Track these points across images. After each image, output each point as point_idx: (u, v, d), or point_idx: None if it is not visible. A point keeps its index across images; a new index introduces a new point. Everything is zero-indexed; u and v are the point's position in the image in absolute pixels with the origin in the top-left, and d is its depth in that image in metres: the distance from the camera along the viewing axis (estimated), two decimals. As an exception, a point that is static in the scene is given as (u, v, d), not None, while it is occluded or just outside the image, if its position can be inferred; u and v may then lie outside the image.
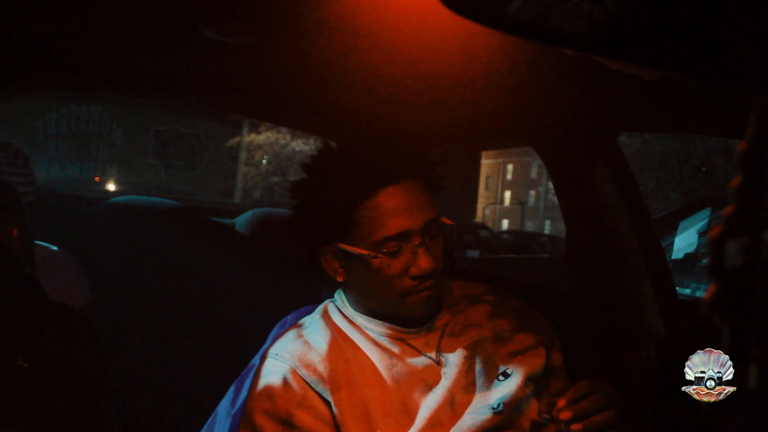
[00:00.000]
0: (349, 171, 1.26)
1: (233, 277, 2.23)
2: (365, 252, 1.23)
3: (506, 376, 1.28)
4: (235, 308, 2.15)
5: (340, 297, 1.38)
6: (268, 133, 15.43)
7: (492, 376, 1.28)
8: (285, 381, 1.25)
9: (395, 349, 1.29)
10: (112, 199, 2.50)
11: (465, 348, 1.31)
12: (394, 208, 1.23)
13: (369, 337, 1.31)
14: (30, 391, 1.15)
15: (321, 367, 1.26)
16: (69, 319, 1.31)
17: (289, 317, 1.50)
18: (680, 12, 0.45)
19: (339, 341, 1.31)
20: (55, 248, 2.11)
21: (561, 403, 1.15)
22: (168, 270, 2.24)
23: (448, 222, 1.30)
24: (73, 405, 1.21)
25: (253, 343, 1.47)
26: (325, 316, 1.37)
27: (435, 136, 2.15)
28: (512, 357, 1.30)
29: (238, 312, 2.12)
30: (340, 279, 1.31)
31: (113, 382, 1.36)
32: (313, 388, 1.24)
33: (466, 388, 1.27)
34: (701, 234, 3.80)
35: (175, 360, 2.09)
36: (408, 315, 1.30)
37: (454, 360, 1.29)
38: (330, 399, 1.24)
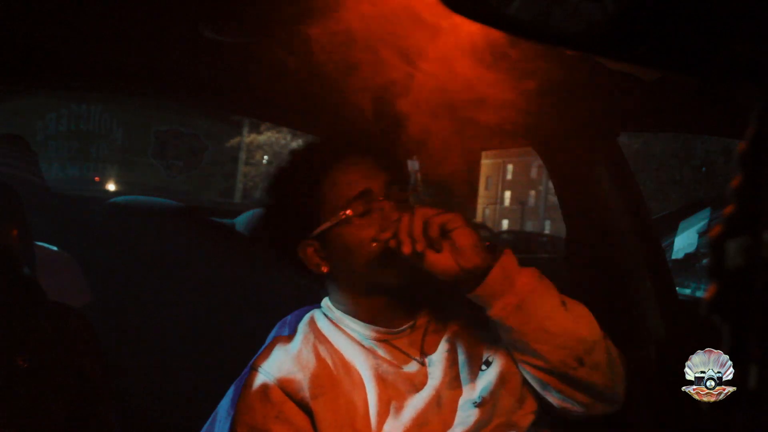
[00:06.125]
0: (305, 158, 1.39)
1: (233, 278, 2.23)
2: (337, 219, 1.28)
3: (488, 364, 1.28)
4: (235, 308, 2.15)
5: (326, 303, 1.40)
6: (269, 133, 15.44)
7: (476, 367, 1.29)
8: (264, 395, 1.27)
9: (380, 352, 1.31)
10: (112, 199, 2.50)
11: (447, 341, 1.32)
12: (351, 177, 1.32)
13: (354, 340, 1.32)
14: (30, 391, 1.15)
15: (300, 376, 1.27)
16: (69, 320, 1.31)
17: (289, 317, 1.50)
18: (680, 12, 0.45)
19: (321, 348, 1.32)
20: (55, 248, 2.10)
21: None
22: (168, 270, 2.23)
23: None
24: (72, 405, 1.21)
25: (253, 343, 1.47)
26: (311, 323, 1.38)
27: (435, 136, 2.15)
28: (493, 343, 1.30)
29: (238, 312, 2.11)
30: (324, 270, 1.33)
31: (113, 382, 1.36)
32: (292, 399, 1.26)
33: (451, 383, 1.28)
34: (701, 234, 3.80)
35: (175, 360, 2.09)
36: (389, 283, 1.29)
37: (438, 357, 1.30)
38: (310, 407, 1.25)
